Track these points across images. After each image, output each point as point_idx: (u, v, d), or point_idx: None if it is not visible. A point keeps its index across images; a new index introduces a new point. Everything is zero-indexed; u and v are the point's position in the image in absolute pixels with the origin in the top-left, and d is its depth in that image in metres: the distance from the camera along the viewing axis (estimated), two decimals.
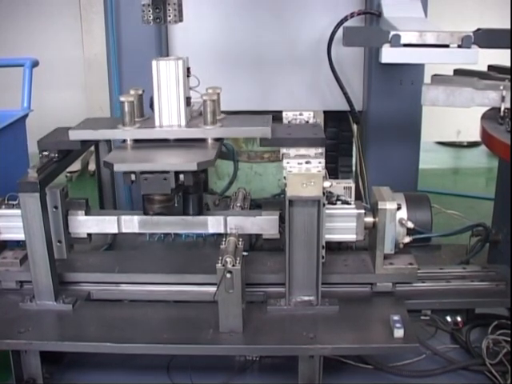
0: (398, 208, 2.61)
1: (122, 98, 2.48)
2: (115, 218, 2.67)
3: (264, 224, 2.65)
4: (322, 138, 2.57)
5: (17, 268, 2.77)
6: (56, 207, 2.61)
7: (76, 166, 5.92)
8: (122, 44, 3.70)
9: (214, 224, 2.66)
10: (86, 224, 2.69)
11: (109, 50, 3.74)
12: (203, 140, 2.52)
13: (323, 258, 2.60)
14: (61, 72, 6.28)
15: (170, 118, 2.52)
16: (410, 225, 2.64)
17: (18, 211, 2.56)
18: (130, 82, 3.67)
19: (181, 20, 3.01)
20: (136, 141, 2.54)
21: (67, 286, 2.77)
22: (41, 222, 2.48)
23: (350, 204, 2.68)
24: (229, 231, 2.61)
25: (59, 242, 2.67)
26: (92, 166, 5.91)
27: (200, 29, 3.74)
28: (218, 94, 2.56)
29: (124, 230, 2.67)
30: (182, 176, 2.32)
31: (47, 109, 5.62)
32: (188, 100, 2.52)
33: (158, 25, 3.11)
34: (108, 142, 3.13)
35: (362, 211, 2.65)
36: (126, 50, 3.71)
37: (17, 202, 2.61)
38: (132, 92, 2.59)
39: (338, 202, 2.68)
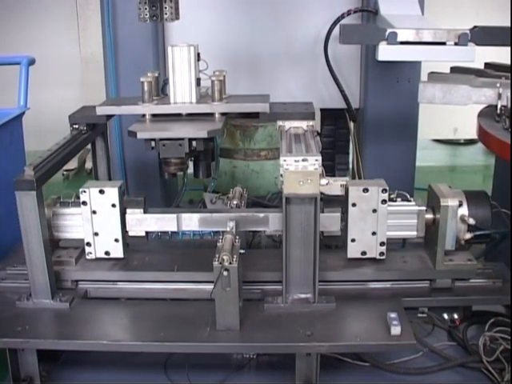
0: (460, 205, 2.62)
1: (142, 79, 2.81)
2: (174, 216, 2.65)
3: (326, 221, 2.63)
4: (312, 113, 2.90)
5: (73, 267, 2.77)
6: (114, 205, 2.62)
7: (73, 165, 5.92)
8: (118, 42, 3.70)
9: (274, 221, 2.62)
10: (145, 222, 2.68)
11: (105, 48, 3.74)
12: (211, 114, 2.83)
13: (383, 254, 2.66)
14: (57, 70, 6.29)
15: (182, 95, 2.85)
16: (472, 221, 2.64)
17: (74, 209, 2.69)
18: (126, 80, 3.69)
19: (177, 18, 3.02)
20: (154, 115, 2.83)
21: (64, 284, 2.76)
22: (37, 220, 2.47)
23: (410, 201, 2.70)
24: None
25: (116, 240, 2.68)
26: (89, 165, 5.90)
27: (197, 27, 3.74)
28: (224, 75, 2.86)
29: (184, 228, 2.67)
30: (194, 142, 2.64)
31: (44, 107, 5.62)
32: (198, 81, 2.88)
33: (155, 22, 3.11)
34: (105, 138, 3.13)
35: (423, 208, 2.68)
36: (122, 47, 3.71)
37: (72, 199, 2.73)
38: (149, 74, 2.88)
39: (398, 199, 2.69)
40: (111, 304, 2.69)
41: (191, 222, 2.66)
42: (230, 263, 2.30)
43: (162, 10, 2.93)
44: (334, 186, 3.23)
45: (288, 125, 2.87)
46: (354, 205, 2.59)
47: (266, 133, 3.99)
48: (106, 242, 2.69)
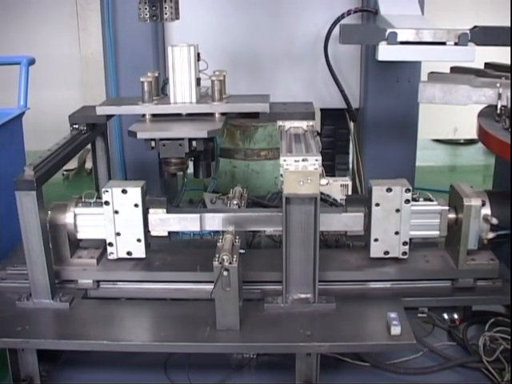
0: (482, 204, 2.64)
1: (142, 79, 2.82)
2: (197, 215, 2.64)
3: (349, 221, 2.65)
4: (312, 113, 2.89)
5: (94, 267, 2.77)
6: (136, 205, 2.62)
7: (73, 165, 5.92)
8: (118, 42, 3.70)
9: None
10: (168, 222, 2.67)
11: (105, 48, 3.73)
12: (211, 114, 2.83)
13: (406, 254, 2.67)
14: (57, 70, 6.29)
15: (182, 95, 2.85)
16: (495, 221, 2.65)
17: (95, 209, 2.68)
18: (126, 80, 3.69)
19: (177, 18, 3.02)
20: (154, 115, 2.84)
21: (64, 284, 2.76)
22: (37, 220, 2.47)
23: (433, 200, 2.72)
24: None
25: (138, 240, 2.67)
26: (89, 165, 5.90)
27: (197, 27, 3.74)
28: (224, 75, 2.86)
29: (207, 228, 2.65)
30: (194, 142, 2.64)
31: (44, 107, 5.62)
32: (198, 80, 2.88)
33: (155, 22, 3.11)
34: (105, 138, 3.14)
35: (446, 208, 2.69)
36: (122, 47, 3.71)
37: (94, 199, 2.73)
38: (149, 74, 2.88)
39: (421, 199, 2.71)
40: (111, 304, 2.69)
41: (214, 221, 2.64)
42: (230, 263, 2.30)
43: (162, 10, 2.93)
44: (333, 185, 3.24)
45: (288, 125, 2.87)
46: (377, 204, 2.60)
47: (266, 133, 3.99)
48: (128, 242, 2.68)
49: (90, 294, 2.77)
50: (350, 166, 4.33)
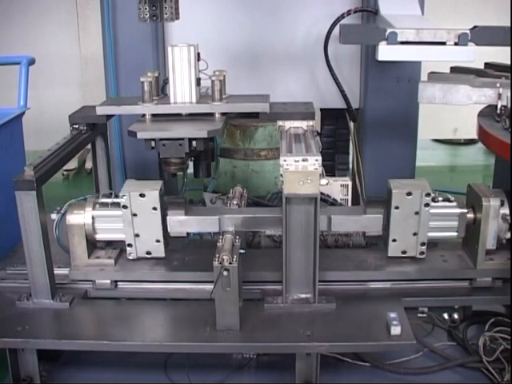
0: (501, 204, 2.64)
1: (142, 79, 2.80)
2: (217, 217, 2.63)
3: (368, 222, 2.66)
4: (312, 112, 2.89)
5: (112, 268, 2.77)
6: (155, 208, 2.62)
7: (73, 165, 5.92)
8: (118, 41, 3.70)
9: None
10: (187, 224, 2.68)
11: (105, 48, 3.73)
12: (211, 114, 2.83)
13: (424, 253, 2.68)
14: (57, 70, 6.29)
15: (182, 95, 2.85)
16: None
17: (114, 212, 2.67)
18: (126, 80, 3.69)
19: (177, 18, 3.02)
20: (154, 115, 2.83)
21: (64, 284, 2.76)
22: (37, 220, 2.47)
23: (452, 201, 2.72)
24: (333, 230, 2.65)
25: (157, 241, 2.68)
26: (89, 164, 5.90)
27: (197, 26, 3.73)
28: (224, 75, 2.85)
29: (225, 229, 2.62)
30: (194, 142, 2.64)
31: (44, 107, 5.62)
32: (198, 80, 2.87)
33: (155, 22, 3.11)
34: (105, 138, 3.14)
35: (465, 210, 2.70)
36: (122, 47, 3.71)
37: (112, 200, 2.71)
38: (149, 74, 2.87)
39: (440, 198, 2.71)
40: (111, 304, 2.69)
41: (233, 223, 2.62)
42: (230, 263, 2.30)
43: (162, 10, 2.93)
44: (333, 185, 3.24)
45: (288, 125, 2.87)
46: (396, 207, 2.61)
47: (266, 133, 3.99)
48: (147, 243, 2.69)
49: (90, 294, 2.76)
50: (350, 166, 4.33)
